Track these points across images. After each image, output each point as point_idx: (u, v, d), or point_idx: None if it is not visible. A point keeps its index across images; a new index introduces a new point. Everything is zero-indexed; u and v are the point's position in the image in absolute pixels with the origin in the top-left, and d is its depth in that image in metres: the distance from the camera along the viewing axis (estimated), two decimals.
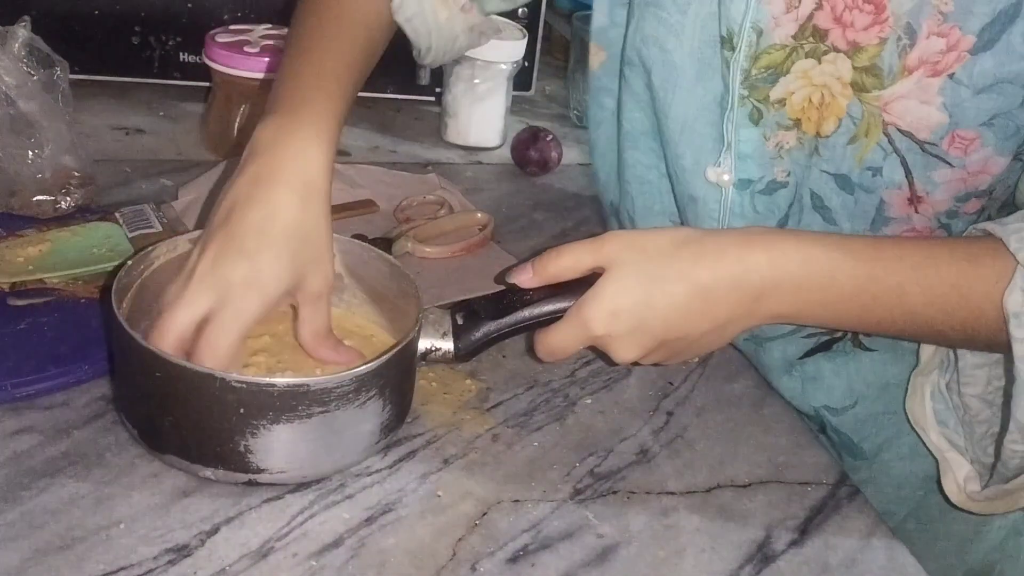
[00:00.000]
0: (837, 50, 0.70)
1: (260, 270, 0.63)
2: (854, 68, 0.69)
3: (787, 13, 0.70)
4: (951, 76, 0.67)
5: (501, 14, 1.22)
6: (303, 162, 0.67)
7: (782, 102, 0.73)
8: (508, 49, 1.18)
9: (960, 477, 0.73)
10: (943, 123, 0.69)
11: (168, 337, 0.61)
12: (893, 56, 0.68)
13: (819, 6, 0.69)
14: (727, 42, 0.73)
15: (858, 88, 0.70)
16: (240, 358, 0.65)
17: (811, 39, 0.70)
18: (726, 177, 0.77)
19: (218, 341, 0.62)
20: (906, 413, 0.77)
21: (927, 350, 0.77)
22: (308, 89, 0.71)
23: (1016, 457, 0.65)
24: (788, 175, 0.76)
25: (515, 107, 1.29)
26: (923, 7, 0.66)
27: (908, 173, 0.72)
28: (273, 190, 0.65)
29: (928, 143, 0.70)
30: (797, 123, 0.73)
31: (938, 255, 0.64)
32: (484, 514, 0.65)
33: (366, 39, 0.79)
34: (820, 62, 0.70)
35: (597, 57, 0.87)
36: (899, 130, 0.70)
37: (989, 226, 0.64)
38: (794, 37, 0.71)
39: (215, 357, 0.61)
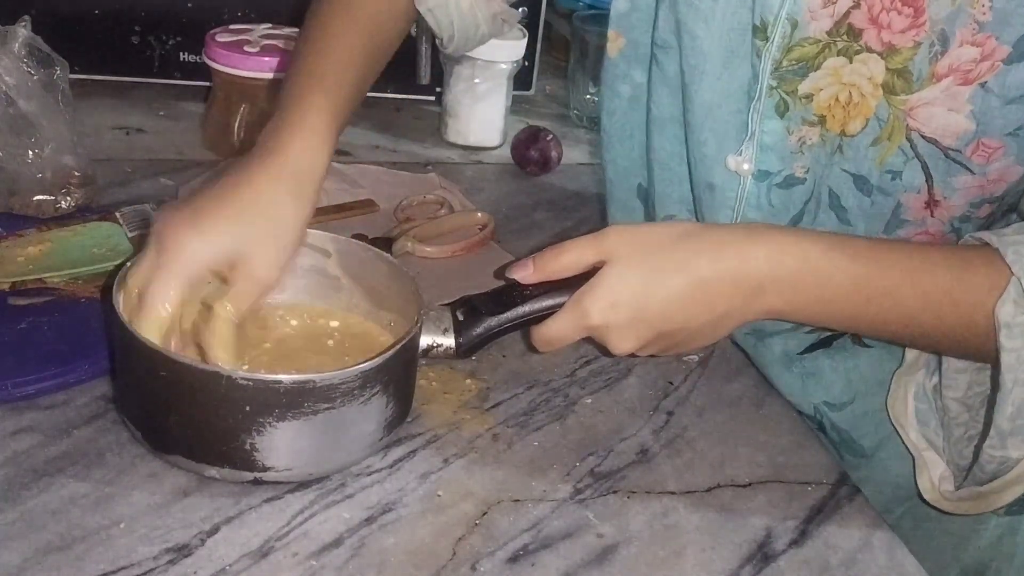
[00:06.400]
0: (870, 50, 0.70)
1: (201, 218, 0.63)
2: (887, 70, 0.69)
3: (824, 8, 0.70)
4: (982, 85, 0.67)
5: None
6: (293, 158, 0.67)
7: (809, 97, 0.73)
8: (508, 48, 1.18)
9: (935, 476, 0.74)
10: (970, 131, 0.69)
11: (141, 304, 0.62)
12: (924, 61, 0.68)
13: (856, 5, 0.69)
14: (760, 31, 0.73)
15: (888, 90, 0.70)
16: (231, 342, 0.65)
17: (845, 37, 0.70)
18: (746, 167, 0.77)
19: (155, 286, 0.62)
20: (887, 410, 0.78)
21: (912, 350, 0.77)
22: (306, 89, 0.72)
23: (993, 462, 0.66)
24: (807, 171, 0.76)
25: (515, 107, 1.29)
26: (959, 15, 0.66)
27: (929, 178, 0.72)
28: (252, 172, 0.66)
29: (952, 149, 0.70)
30: (822, 120, 0.73)
31: (935, 260, 0.65)
32: (484, 514, 0.65)
33: (371, 34, 0.80)
34: (851, 61, 0.70)
35: (615, 44, 0.86)
36: (922, 136, 0.70)
37: (986, 236, 0.64)
38: (828, 33, 0.71)
39: (153, 302, 0.61)
